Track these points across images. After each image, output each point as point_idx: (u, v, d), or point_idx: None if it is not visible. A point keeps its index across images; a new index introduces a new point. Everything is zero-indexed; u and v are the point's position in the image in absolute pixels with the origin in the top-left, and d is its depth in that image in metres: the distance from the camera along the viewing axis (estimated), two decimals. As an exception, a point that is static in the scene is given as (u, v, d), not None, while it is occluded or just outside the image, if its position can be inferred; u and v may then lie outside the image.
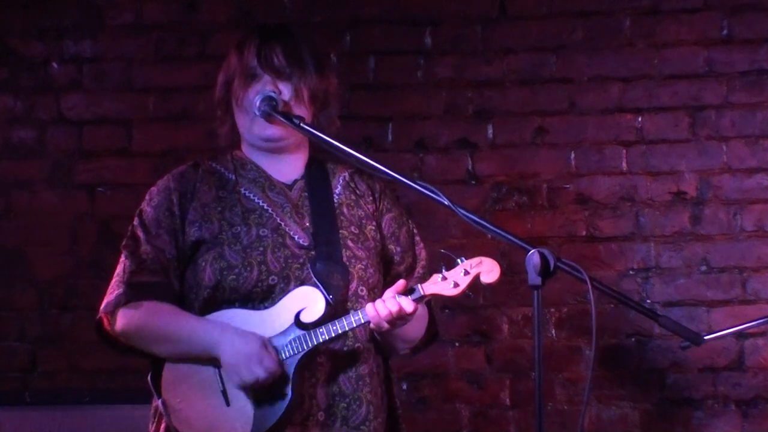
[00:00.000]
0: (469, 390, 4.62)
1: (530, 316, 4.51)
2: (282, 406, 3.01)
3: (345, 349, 3.12)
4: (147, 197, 3.23)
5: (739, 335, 4.49)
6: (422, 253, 3.32)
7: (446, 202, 2.92)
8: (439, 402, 4.62)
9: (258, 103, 3.13)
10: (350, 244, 3.17)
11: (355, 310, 3.07)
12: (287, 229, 3.15)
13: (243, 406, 3.04)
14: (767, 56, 4.59)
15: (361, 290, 3.15)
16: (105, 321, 3.18)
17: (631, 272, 4.60)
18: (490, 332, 4.63)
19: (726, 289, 4.55)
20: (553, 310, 4.58)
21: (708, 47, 4.62)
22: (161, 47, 4.79)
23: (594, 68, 4.66)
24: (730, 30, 4.61)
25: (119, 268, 3.18)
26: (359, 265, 3.16)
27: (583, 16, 4.67)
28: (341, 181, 3.28)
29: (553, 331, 4.59)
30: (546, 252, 2.79)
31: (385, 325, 3.04)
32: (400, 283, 3.05)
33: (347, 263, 3.14)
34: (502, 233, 2.92)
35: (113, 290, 3.16)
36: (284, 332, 3.06)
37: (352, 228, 3.21)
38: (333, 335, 3.03)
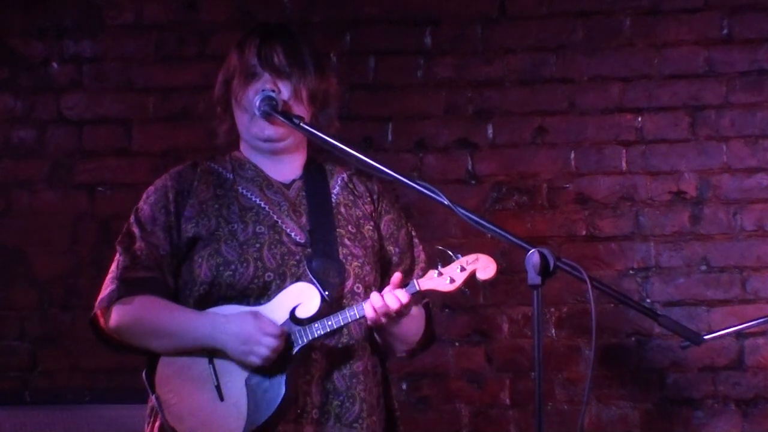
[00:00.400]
0: (469, 390, 4.62)
1: (530, 315, 4.51)
2: (276, 401, 3.01)
3: (340, 345, 3.12)
4: (144, 195, 3.23)
5: (738, 335, 4.49)
6: (421, 255, 3.33)
7: (446, 202, 2.92)
8: (439, 402, 4.62)
9: (258, 103, 3.14)
10: (347, 242, 3.17)
11: (351, 307, 3.06)
12: (284, 226, 3.16)
13: (237, 401, 3.03)
14: (767, 56, 4.59)
15: (357, 288, 3.15)
16: (100, 319, 3.18)
17: (630, 272, 4.60)
18: (490, 332, 4.63)
19: (726, 289, 4.55)
20: (553, 309, 4.58)
21: (708, 47, 4.62)
22: (161, 47, 4.79)
23: (594, 68, 4.66)
24: (730, 30, 4.61)
25: (113, 265, 3.19)
26: (355, 263, 3.16)
27: (583, 16, 4.67)
28: (339, 182, 3.29)
29: (553, 331, 4.59)
30: (546, 251, 2.79)
31: (382, 320, 3.03)
32: (397, 275, 3.06)
33: (343, 261, 3.14)
34: (502, 233, 2.92)
35: (107, 286, 3.16)
36: (279, 328, 3.06)
37: (349, 227, 3.21)
38: (328, 330, 3.03)
